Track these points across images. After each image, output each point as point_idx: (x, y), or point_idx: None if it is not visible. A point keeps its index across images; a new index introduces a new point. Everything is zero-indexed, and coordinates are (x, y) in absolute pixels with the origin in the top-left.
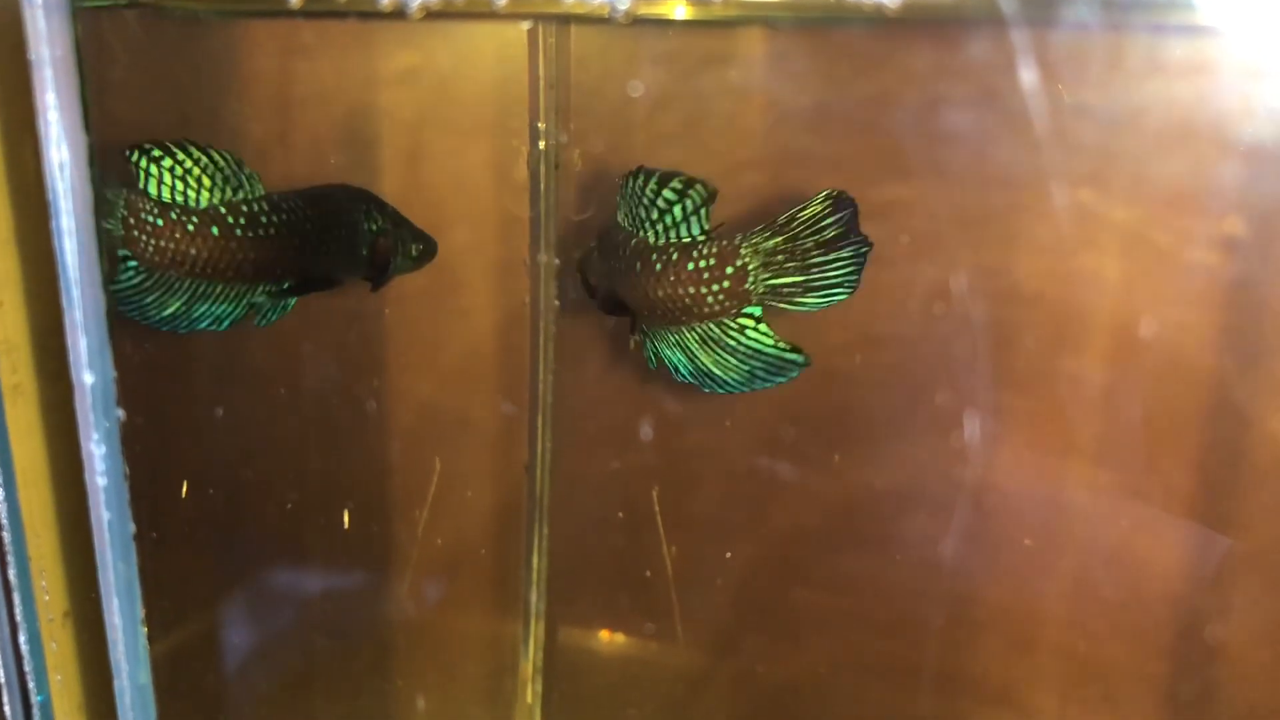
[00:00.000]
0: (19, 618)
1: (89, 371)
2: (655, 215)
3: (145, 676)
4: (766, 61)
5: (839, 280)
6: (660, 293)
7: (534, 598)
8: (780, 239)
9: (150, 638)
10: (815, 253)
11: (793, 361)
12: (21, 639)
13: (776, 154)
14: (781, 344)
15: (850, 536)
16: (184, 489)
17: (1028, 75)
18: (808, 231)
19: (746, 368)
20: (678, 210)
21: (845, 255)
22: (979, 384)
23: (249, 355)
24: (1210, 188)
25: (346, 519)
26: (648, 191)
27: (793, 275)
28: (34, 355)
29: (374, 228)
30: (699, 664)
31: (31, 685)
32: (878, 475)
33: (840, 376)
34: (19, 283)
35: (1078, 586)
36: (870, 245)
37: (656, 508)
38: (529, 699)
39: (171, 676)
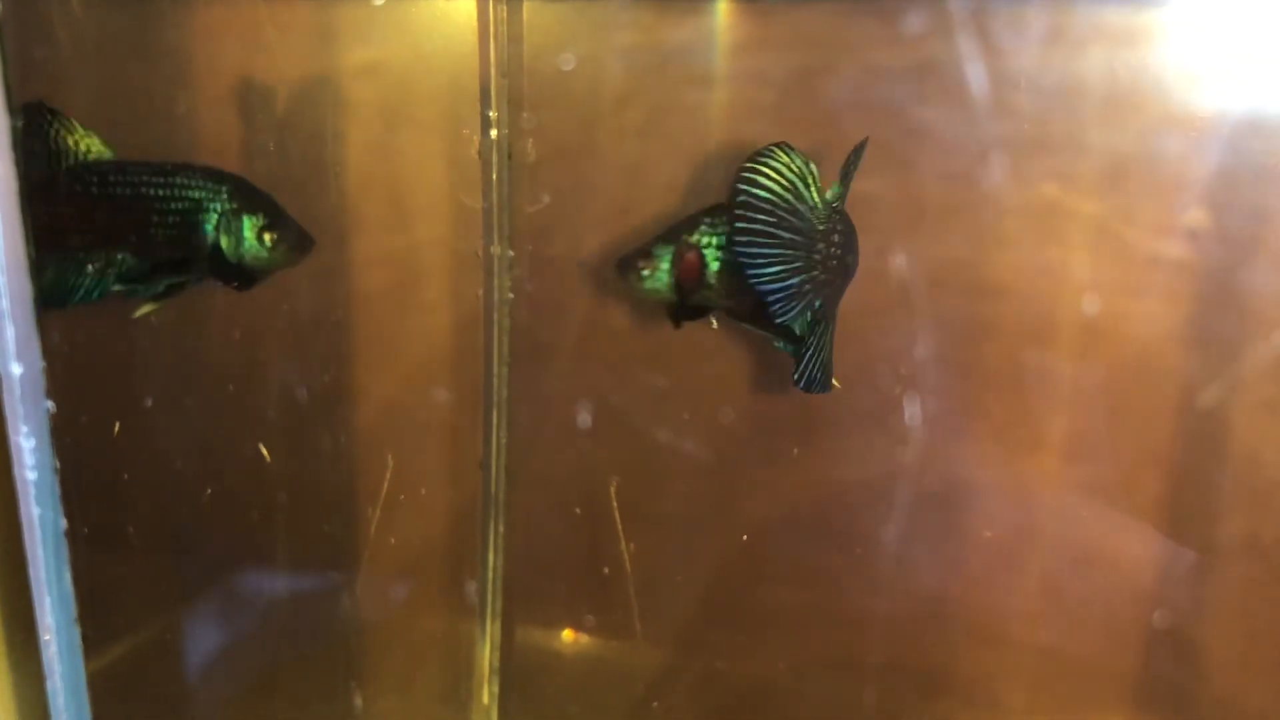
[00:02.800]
0: None
1: (16, 362)
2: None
3: (79, 676)
4: (729, 49)
5: None
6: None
7: (490, 596)
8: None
9: (88, 642)
10: None
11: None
12: None
13: (739, 144)
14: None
15: (812, 532)
16: (124, 486)
17: (992, 61)
18: None
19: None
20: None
21: None
22: (942, 378)
23: (199, 350)
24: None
25: (296, 514)
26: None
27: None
28: None
29: (219, 209)
30: (659, 662)
31: None
32: (839, 470)
33: None
34: None
35: (1043, 582)
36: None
37: (614, 504)
38: (485, 699)
39: (113, 682)
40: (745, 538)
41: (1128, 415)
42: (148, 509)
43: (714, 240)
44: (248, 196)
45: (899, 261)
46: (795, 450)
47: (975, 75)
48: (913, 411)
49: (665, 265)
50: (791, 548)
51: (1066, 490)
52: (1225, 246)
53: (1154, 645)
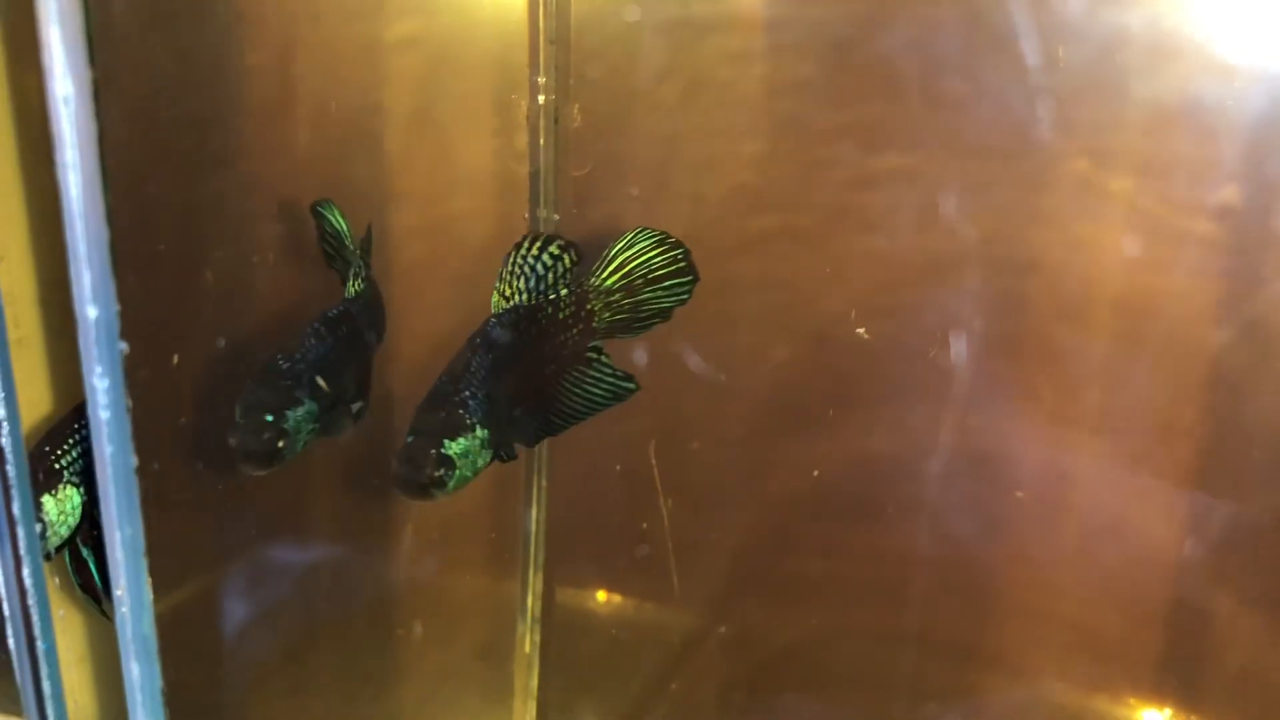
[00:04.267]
0: (23, 551)
1: (93, 305)
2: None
3: (148, 606)
4: (768, 27)
5: (663, 311)
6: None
7: (533, 550)
8: (617, 278)
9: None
10: (646, 289)
11: (627, 389)
12: (25, 573)
13: (777, 121)
14: (619, 372)
15: (847, 501)
16: (189, 431)
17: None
18: (641, 271)
19: (588, 398)
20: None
21: (673, 292)
22: (976, 352)
23: (253, 319)
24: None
25: (343, 471)
26: (542, 256)
27: (627, 313)
28: (40, 308)
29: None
30: (694, 621)
31: (35, 618)
32: (872, 441)
33: (838, 345)
34: (26, 235)
35: (1073, 554)
36: (698, 279)
37: (654, 464)
38: (527, 649)
39: (172, 629)
40: (816, 473)
41: (1158, 389)
42: (207, 457)
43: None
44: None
45: (932, 236)
46: (834, 423)
47: (1012, 51)
48: (945, 384)
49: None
50: (827, 518)
51: (1097, 463)
52: (1258, 222)
53: (1180, 618)
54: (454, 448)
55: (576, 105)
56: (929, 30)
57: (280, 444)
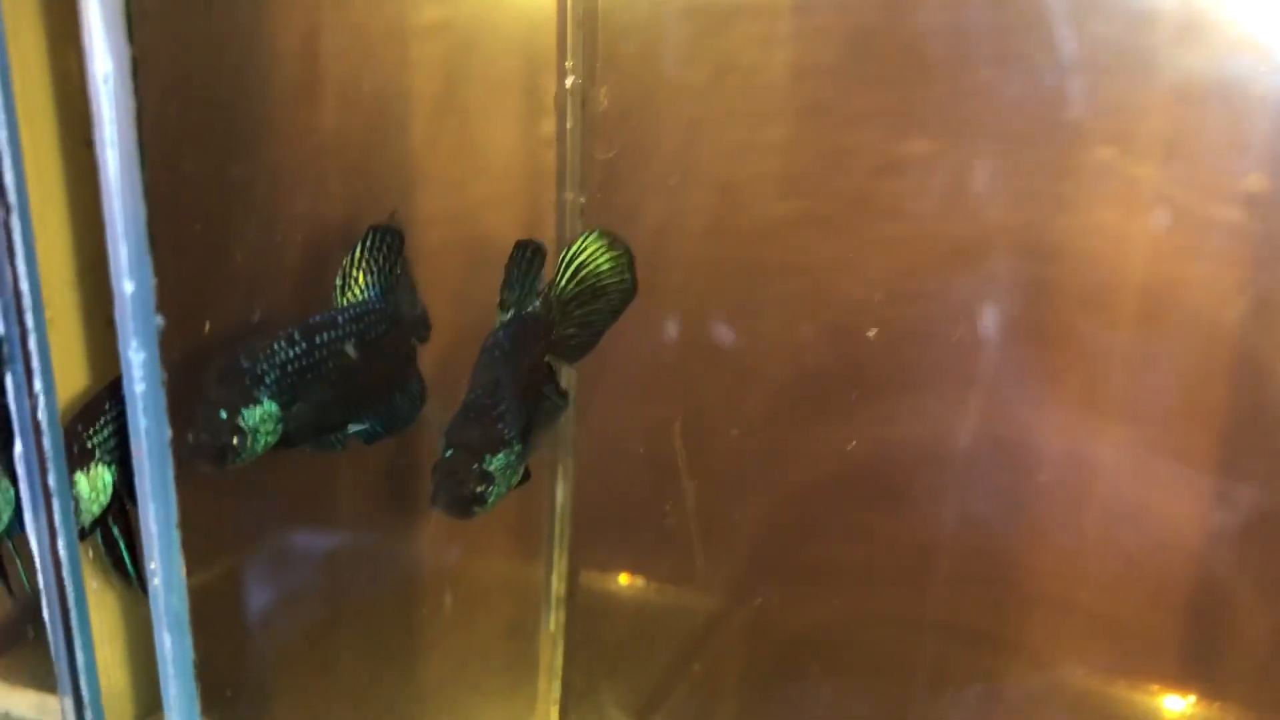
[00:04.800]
0: (58, 525)
1: (129, 280)
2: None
3: (180, 580)
4: (794, 11)
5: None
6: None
7: (558, 529)
8: (572, 286)
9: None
10: (593, 301)
11: (559, 405)
12: (61, 545)
13: (801, 107)
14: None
15: (870, 487)
16: None
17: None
18: (590, 280)
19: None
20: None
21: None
22: (999, 339)
23: (286, 300)
24: None
25: (371, 450)
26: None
27: (575, 325)
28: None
29: None
30: (716, 602)
31: (70, 591)
32: (893, 428)
33: (861, 331)
34: (63, 216)
35: (1096, 539)
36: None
37: (678, 443)
38: (551, 627)
39: (202, 605)
40: (853, 443)
41: (1182, 375)
42: None
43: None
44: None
45: (956, 222)
46: (855, 409)
47: (1035, 37)
48: (968, 370)
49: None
50: (845, 502)
51: (1120, 449)
52: None
53: (1203, 604)
54: (494, 463)
55: (604, 88)
56: (955, 15)
57: (234, 441)
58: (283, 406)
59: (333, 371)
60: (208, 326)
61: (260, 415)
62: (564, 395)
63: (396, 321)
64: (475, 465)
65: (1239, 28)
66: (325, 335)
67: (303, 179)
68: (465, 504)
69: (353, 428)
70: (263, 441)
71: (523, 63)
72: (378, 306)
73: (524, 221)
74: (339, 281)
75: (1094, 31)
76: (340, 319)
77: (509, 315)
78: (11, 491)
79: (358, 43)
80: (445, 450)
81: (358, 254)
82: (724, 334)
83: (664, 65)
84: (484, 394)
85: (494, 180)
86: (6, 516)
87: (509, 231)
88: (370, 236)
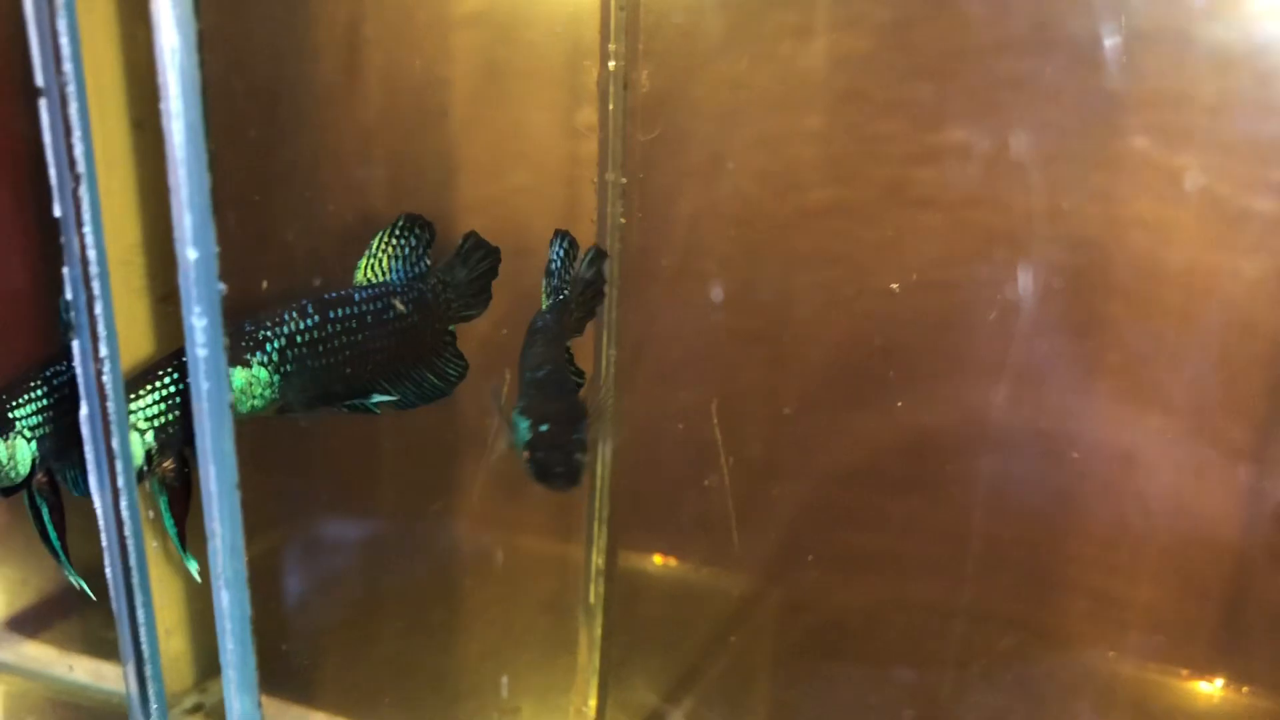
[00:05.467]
0: (121, 485)
1: (193, 247)
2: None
3: (239, 540)
4: (832, 1)
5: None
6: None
7: (598, 504)
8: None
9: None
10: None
11: (580, 384)
12: (123, 504)
13: (836, 96)
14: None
15: (902, 475)
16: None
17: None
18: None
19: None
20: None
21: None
22: (1033, 328)
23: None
24: None
25: (416, 426)
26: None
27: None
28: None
29: None
30: (750, 583)
31: (132, 553)
32: (930, 416)
33: (894, 320)
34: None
35: (1127, 532)
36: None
37: (715, 422)
38: (591, 600)
39: (254, 571)
40: (888, 428)
41: (1217, 366)
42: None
43: None
44: None
45: (990, 212)
46: (884, 394)
47: (1070, 29)
48: (1001, 360)
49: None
50: (878, 489)
51: (1154, 439)
52: None
53: (1235, 594)
54: (584, 432)
55: (645, 71)
56: (993, 3)
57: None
58: (283, 376)
59: (346, 347)
60: (265, 285)
61: (246, 379)
62: (581, 373)
63: (421, 305)
64: (577, 436)
65: None
66: (340, 311)
67: (347, 163)
68: (575, 474)
69: (376, 398)
70: (247, 405)
71: (563, 50)
72: (399, 289)
73: (562, 209)
74: (362, 261)
75: (1133, 21)
76: (357, 297)
77: (551, 300)
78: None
79: (401, 31)
80: (536, 425)
81: (385, 237)
82: (756, 318)
83: (703, 52)
84: (555, 369)
85: (533, 167)
86: (24, 468)
87: (548, 218)
88: (401, 222)
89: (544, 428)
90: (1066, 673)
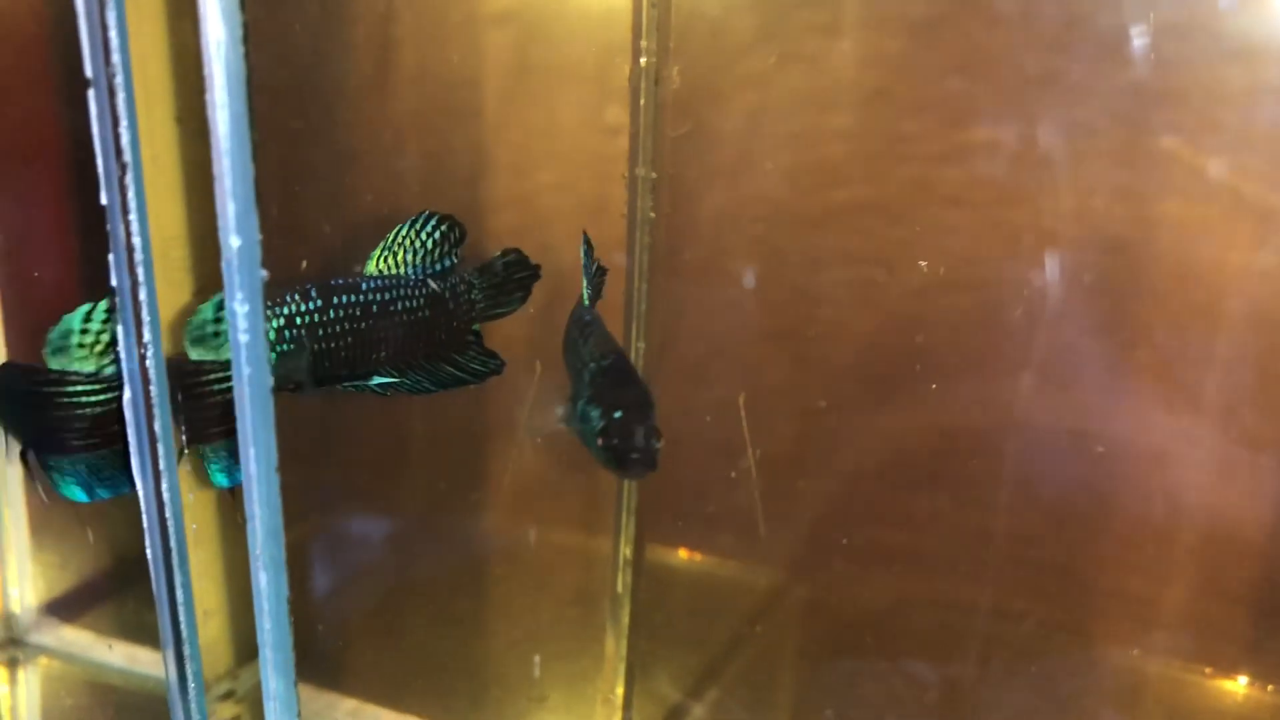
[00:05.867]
0: (162, 467)
1: (236, 235)
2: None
3: (278, 522)
4: (860, 1)
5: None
6: None
7: (625, 495)
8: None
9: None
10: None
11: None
12: (164, 489)
13: (863, 95)
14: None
15: (926, 472)
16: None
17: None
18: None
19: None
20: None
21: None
22: (1058, 326)
23: None
24: None
25: (451, 416)
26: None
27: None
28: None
29: None
30: (777, 575)
31: (172, 536)
32: (955, 414)
33: (920, 318)
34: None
35: (1154, 529)
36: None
37: (743, 414)
38: (619, 589)
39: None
40: (913, 427)
41: (1242, 366)
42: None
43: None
44: None
45: (1016, 211)
46: (909, 391)
47: (1098, 27)
48: (1026, 358)
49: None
50: (902, 487)
51: (1179, 439)
52: None
53: (1261, 598)
54: (656, 420)
55: (676, 67)
56: (1015, 7)
57: None
58: (278, 355)
59: (348, 333)
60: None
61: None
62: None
63: (436, 301)
64: (652, 424)
65: None
66: (344, 298)
67: (382, 159)
68: (653, 459)
69: (376, 380)
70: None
71: (593, 47)
72: (411, 283)
73: (592, 204)
74: (375, 252)
75: (1162, 17)
76: (364, 286)
77: (592, 295)
78: None
79: (434, 29)
80: (609, 413)
81: (405, 231)
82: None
83: (733, 49)
84: (620, 358)
85: (563, 164)
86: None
87: (578, 214)
88: (421, 219)
89: (618, 415)
90: (1091, 670)
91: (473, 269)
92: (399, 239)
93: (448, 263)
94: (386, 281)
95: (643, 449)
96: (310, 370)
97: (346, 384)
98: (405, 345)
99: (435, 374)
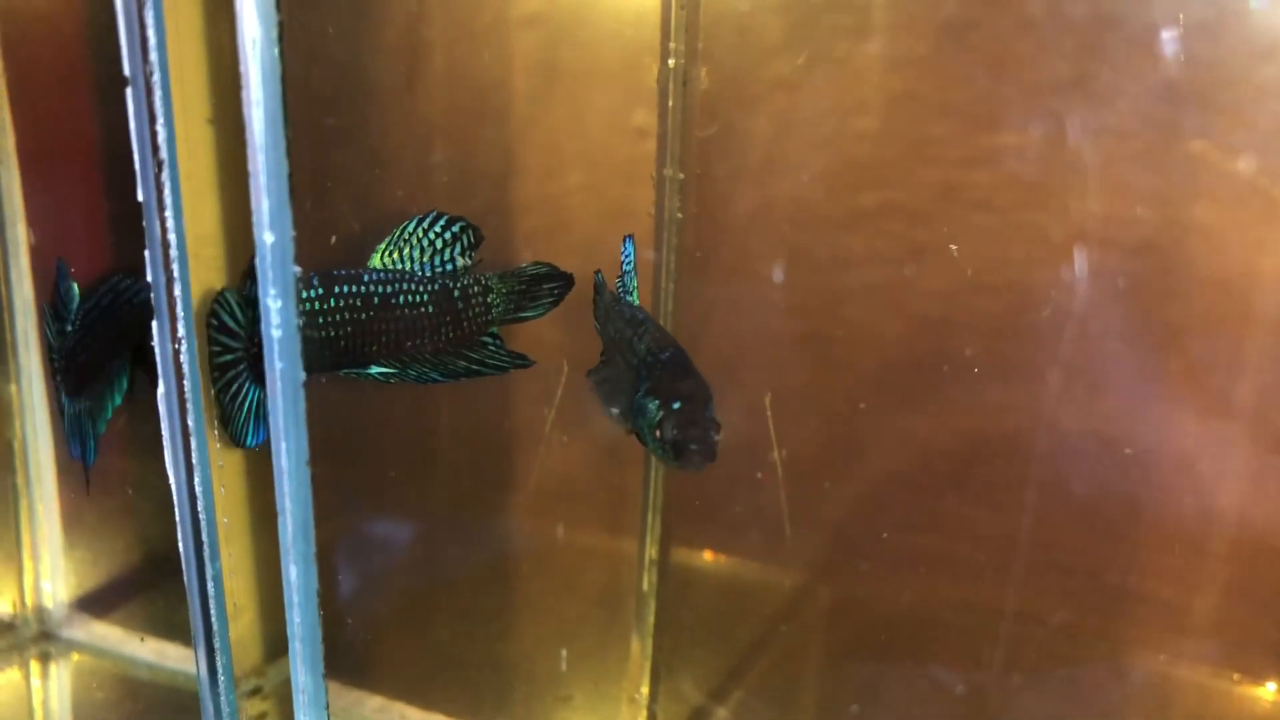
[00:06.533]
0: (195, 461)
1: (270, 231)
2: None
3: (308, 515)
4: (886, 4)
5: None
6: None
7: (652, 494)
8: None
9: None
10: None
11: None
12: (196, 480)
13: (890, 98)
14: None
15: (951, 477)
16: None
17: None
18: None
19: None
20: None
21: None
22: (1085, 331)
23: None
24: None
25: (480, 412)
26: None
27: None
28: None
29: None
30: (801, 577)
31: (204, 528)
32: (980, 419)
33: (945, 322)
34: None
35: (1179, 539)
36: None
37: (769, 415)
38: (644, 588)
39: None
40: (938, 431)
41: (1270, 370)
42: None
43: None
44: None
45: (1042, 214)
46: (935, 395)
47: (1127, 29)
48: (1052, 363)
49: None
50: (927, 491)
51: (1206, 444)
52: None
53: None
54: (714, 413)
55: (704, 69)
56: (1043, 9)
57: None
58: None
59: (348, 323)
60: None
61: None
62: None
63: (443, 300)
64: (708, 413)
65: None
66: (346, 288)
67: (413, 159)
68: (712, 450)
69: (374, 369)
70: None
71: (623, 48)
72: (415, 279)
73: (619, 205)
74: (381, 245)
75: (1192, 16)
76: (366, 278)
77: (628, 295)
78: None
79: (464, 31)
80: (667, 404)
81: (410, 228)
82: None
83: (760, 51)
84: (677, 351)
85: (591, 165)
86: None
87: (605, 215)
88: (430, 217)
89: (676, 405)
90: (1118, 676)
91: (494, 273)
92: (405, 235)
93: (460, 263)
94: (390, 275)
95: (702, 440)
96: (307, 356)
97: (344, 371)
98: (405, 339)
99: (442, 367)
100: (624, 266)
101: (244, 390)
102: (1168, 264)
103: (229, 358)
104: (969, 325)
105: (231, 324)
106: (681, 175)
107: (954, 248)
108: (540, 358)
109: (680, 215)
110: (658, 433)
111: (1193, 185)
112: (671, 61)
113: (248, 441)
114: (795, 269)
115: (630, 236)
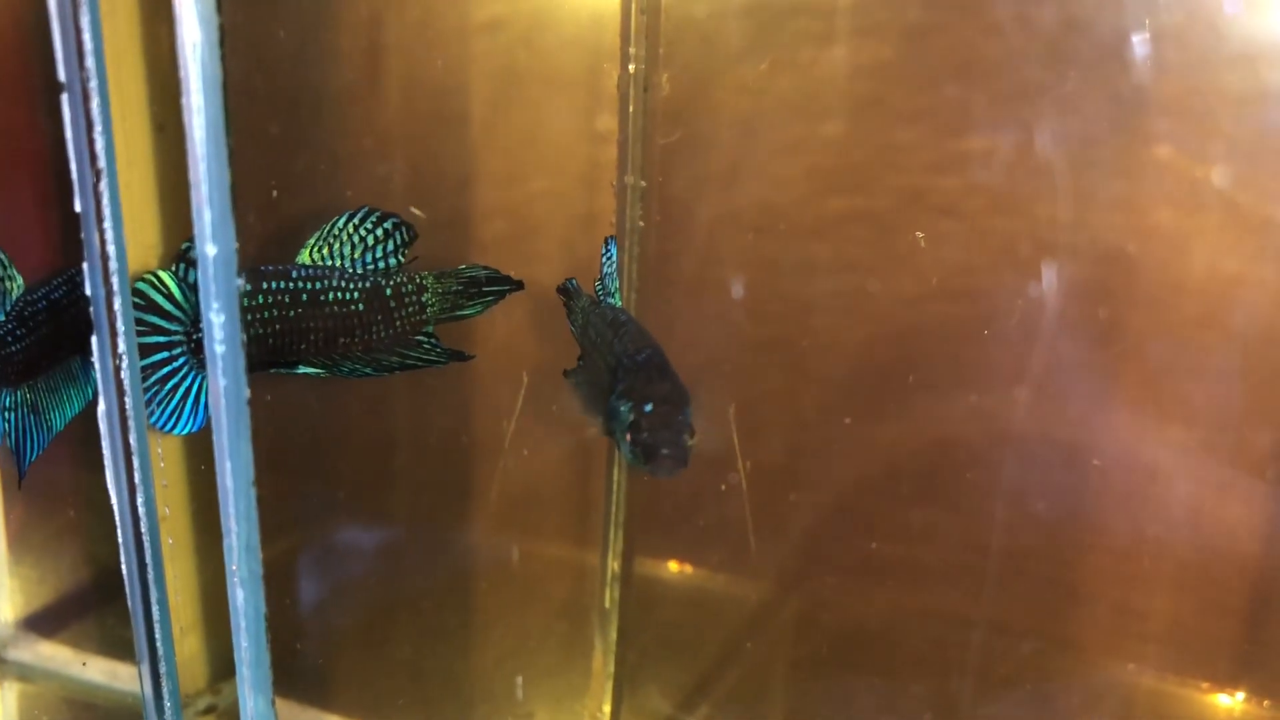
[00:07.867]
0: (138, 481)
1: (212, 243)
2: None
3: (254, 538)
4: (851, 10)
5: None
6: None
7: (614, 508)
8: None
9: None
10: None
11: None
12: (139, 502)
13: (856, 104)
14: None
15: (920, 484)
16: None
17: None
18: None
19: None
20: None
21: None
22: (1050, 339)
23: None
24: None
25: (437, 428)
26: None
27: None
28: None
29: None
30: (766, 590)
31: (147, 548)
32: (948, 426)
33: (913, 329)
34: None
35: (1148, 542)
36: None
37: (734, 427)
38: (606, 604)
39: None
40: (905, 439)
41: (1239, 377)
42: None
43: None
44: None
45: (1009, 221)
46: (902, 402)
47: (1095, 35)
48: (1020, 370)
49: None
50: (895, 499)
51: (1175, 452)
52: None
53: (1255, 608)
54: (690, 417)
55: (666, 75)
56: (1014, 11)
57: None
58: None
59: (275, 320)
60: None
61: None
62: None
63: (374, 297)
64: (681, 416)
65: None
66: (273, 284)
67: (368, 166)
68: (684, 455)
69: (301, 369)
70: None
71: (582, 56)
72: (345, 276)
73: (581, 212)
74: (310, 241)
75: (1160, 22)
76: (295, 274)
77: (607, 298)
78: None
79: (422, 36)
80: (639, 406)
81: (340, 224)
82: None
83: (723, 57)
84: (655, 353)
85: (553, 171)
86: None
87: (567, 223)
88: (361, 213)
89: (648, 408)
90: (1086, 684)
91: (430, 272)
92: (335, 230)
93: (392, 261)
94: (319, 271)
95: (673, 444)
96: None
97: (272, 369)
98: (336, 337)
99: (375, 363)
100: (605, 268)
101: (179, 376)
102: (1134, 271)
103: (159, 339)
104: (936, 333)
105: (166, 305)
106: (643, 183)
107: (920, 234)
108: (505, 368)
109: (642, 223)
110: (628, 436)
111: (1159, 191)
112: (632, 67)
113: (175, 430)
114: (760, 277)
115: (612, 238)
